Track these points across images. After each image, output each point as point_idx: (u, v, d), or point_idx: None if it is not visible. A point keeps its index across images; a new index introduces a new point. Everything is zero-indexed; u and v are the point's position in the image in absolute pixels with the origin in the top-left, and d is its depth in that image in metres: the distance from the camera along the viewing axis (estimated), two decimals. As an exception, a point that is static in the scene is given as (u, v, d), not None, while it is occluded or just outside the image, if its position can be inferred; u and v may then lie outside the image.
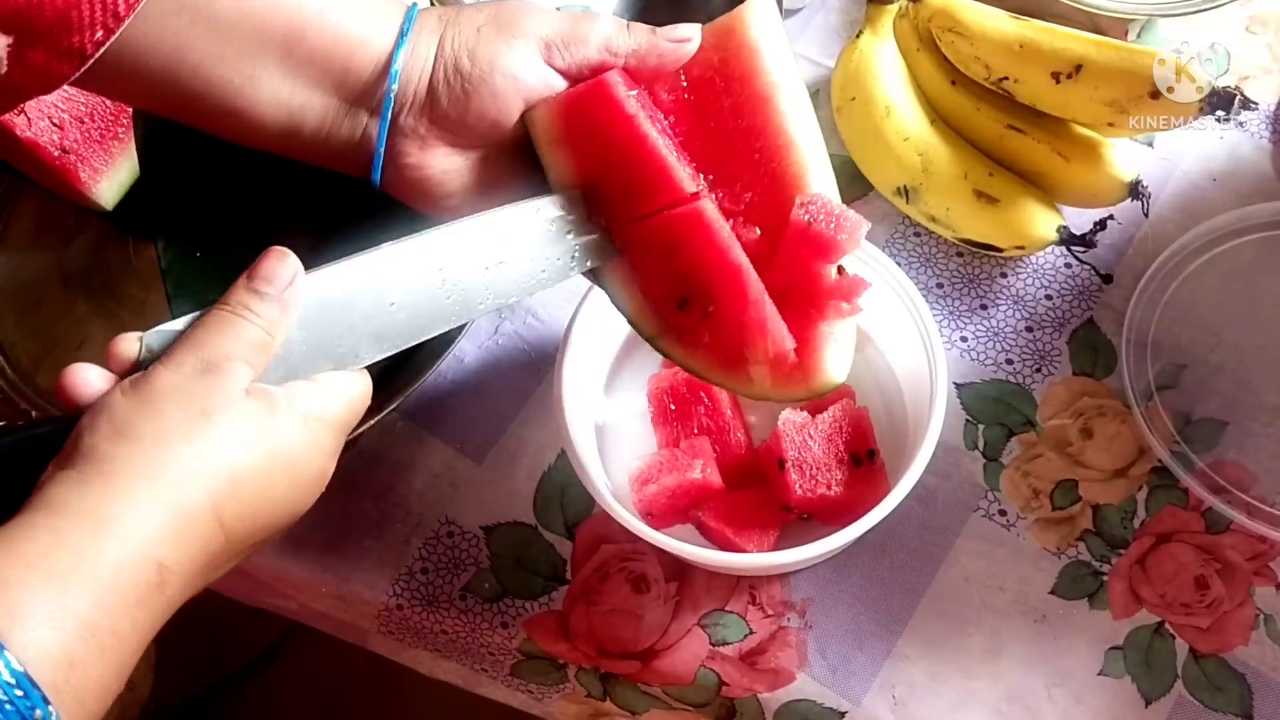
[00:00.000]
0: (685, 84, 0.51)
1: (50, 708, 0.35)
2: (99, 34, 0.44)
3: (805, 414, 0.57)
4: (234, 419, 0.42)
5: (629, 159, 0.49)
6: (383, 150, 0.49)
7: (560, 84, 0.49)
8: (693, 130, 0.51)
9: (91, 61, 0.45)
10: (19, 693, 0.34)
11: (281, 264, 0.45)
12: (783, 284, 0.49)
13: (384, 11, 0.49)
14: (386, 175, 0.50)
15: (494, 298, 0.49)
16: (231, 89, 0.48)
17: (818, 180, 0.50)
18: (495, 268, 0.49)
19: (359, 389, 0.47)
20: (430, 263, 0.48)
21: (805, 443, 0.57)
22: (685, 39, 0.50)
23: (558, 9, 0.78)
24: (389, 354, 0.48)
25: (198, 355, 0.43)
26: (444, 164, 0.50)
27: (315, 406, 0.45)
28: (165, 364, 0.43)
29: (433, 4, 0.57)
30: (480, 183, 0.51)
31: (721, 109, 0.50)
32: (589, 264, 0.50)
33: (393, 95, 0.48)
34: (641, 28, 0.50)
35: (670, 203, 0.49)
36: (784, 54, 0.50)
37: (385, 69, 0.48)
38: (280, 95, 0.48)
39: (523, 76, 0.48)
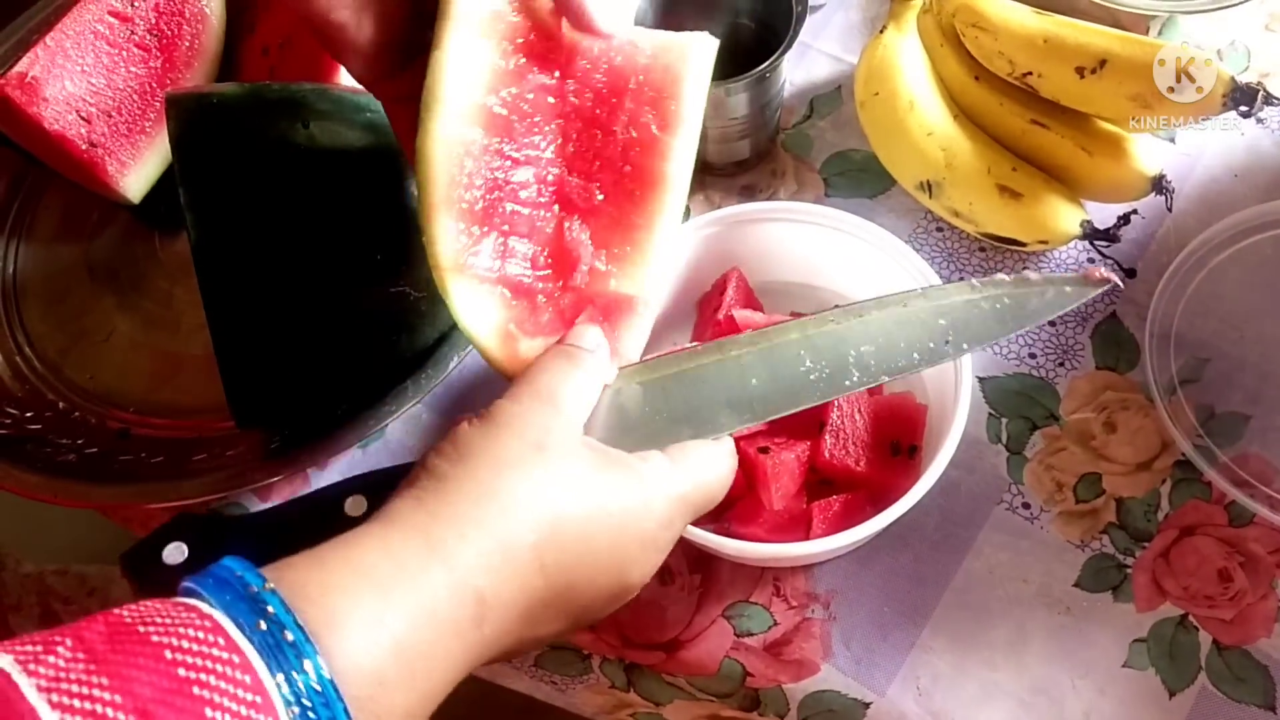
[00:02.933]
0: (603, 76, 0.50)
1: None
2: None
3: (864, 389, 0.58)
4: (567, 457, 0.42)
5: None
6: None
7: None
8: (586, 116, 0.50)
9: None
10: (323, 701, 0.33)
11: (595, 333, 0.47)
12: None
13: None
14: None
15: (861, 379, 0.49)
16: None
17: (661, 226, 0.50)
18: (863, 353, 0.49)
19: (715, 465, 0.47)
20: (794, 345, 0.49)
21: (853, 414, 0.57)
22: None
23: None
24: (750, 425, 0.49)
25: (533, 388, 0.44)
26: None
27: (659, 476, 0.44)
28: (507, 396, 0.44)
29: None
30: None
31: (619, 110, 0.50)
32: (964, 347, 0.49)
33: None
34: None
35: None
36: (701, 99, 0.50)
37: None
38: None
39: None
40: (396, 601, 0.36)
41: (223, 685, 0.31)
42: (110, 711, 0.29)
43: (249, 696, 0.31)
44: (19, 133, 0.71)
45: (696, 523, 0.54)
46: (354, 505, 0.47)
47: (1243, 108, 0.59)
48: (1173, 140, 0.69)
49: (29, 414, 0.65)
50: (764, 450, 0.57)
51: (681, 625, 0.59)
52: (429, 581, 0.37)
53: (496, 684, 0.65)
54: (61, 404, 0.67)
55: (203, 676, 0.31)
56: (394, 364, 0.59)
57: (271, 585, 0.34)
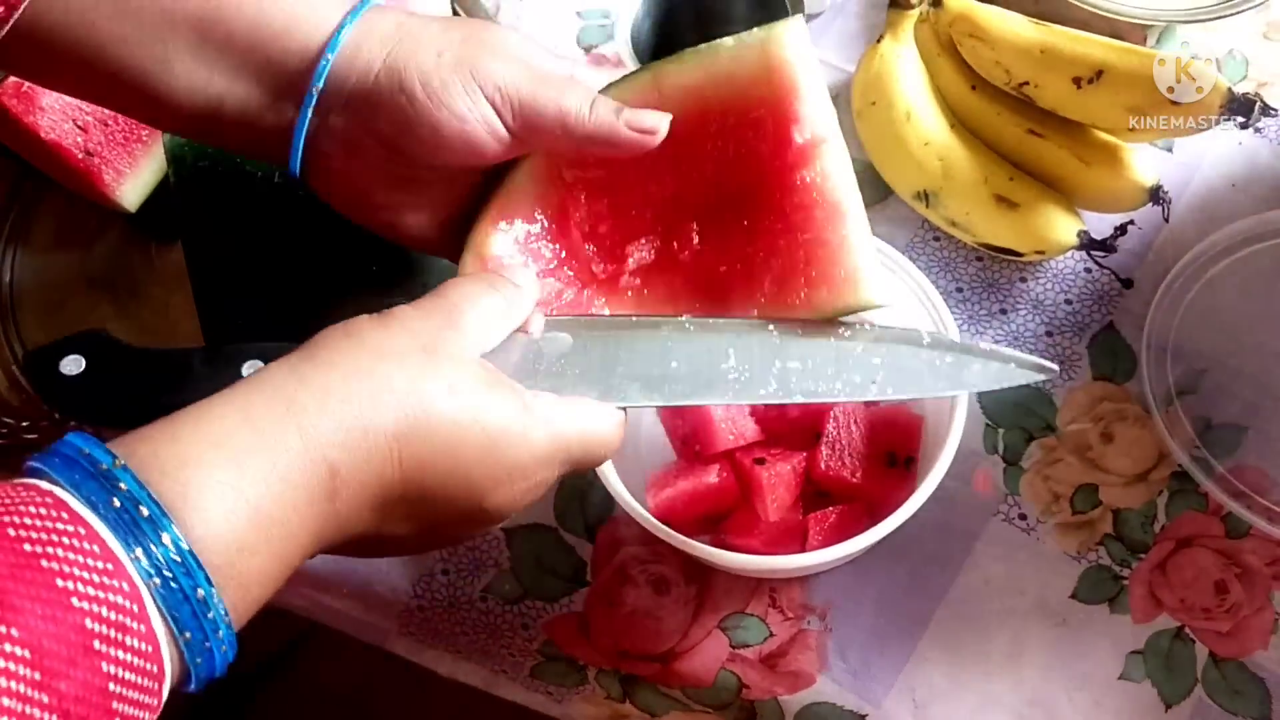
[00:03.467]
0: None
1: (213, 589, 0.34)
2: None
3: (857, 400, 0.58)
4: (455, 368, 0.41)
5: None
6: (300, 146, 0.47)
7: (506, 138, 0.47)
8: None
9: None
10: (184, 570, 0.34)
11: (528, 277, 0.47)
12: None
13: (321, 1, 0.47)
14: (312, 173, 0.49)
15: (777, 391, 0.48)
16: (141, 73, 0.46)
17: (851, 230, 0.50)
18: (788, 368, 0.48)
19: (605, 425, 0.46)
20: (724, 341, 0.48)
21: (849, 426, 0.57)
22: (651, 130, 0.47)
23: (578, 13, 0.79)
24: (656, 404, 0.48)
25: (440, 299, 0.43)
26: (372, 174, 0.48)
27: (546, 411, 0.44)
28: (412, 304, 0.43)
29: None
30: (408, 199, 0.49)
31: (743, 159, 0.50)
32: (889, 392, 0.49)
33: (316, 92, 0.46)
34: (607, 106, 0.47)
35: None
36: (824, 97, 0.50)
37: (315, 61, 0.46)
38: (196, 81, 0.46)
39: (471, 122, 0.46)
40: (251, 470, 0.36)
41: (71, 556, 0.32)
42: None
43: (99, 564, 0.32)
44: (15, 141, 0.71)
45: (692, 534, 0.54)
46: (250, 369, 0.46)
47: (1240, 118, 0.59)
48: (1170, 150, 0.69)
49: (24, 423, 0.65)
50: (760, 461, 0.57)
51: (677, 636, 0.59)
52: (285, 447, 0.37)
53: (492, 694, 0.65)
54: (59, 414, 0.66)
55: (49, 550, 0.31)
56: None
57: (122, 461, 0.34)
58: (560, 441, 0.44)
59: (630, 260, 0.52)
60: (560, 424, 0.44)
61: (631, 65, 0.63)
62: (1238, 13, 0.66)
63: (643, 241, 0.52)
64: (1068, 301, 0.65)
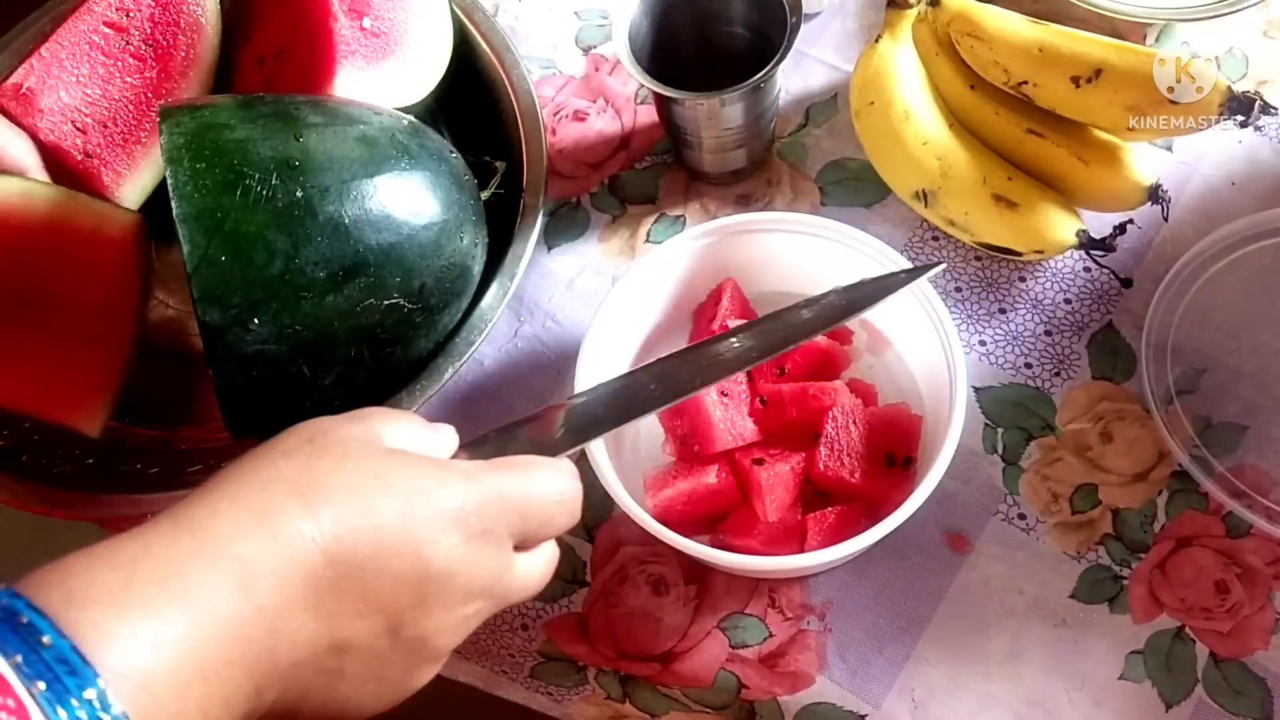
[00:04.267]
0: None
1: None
2: None
3: (859, 400, 0.58)
4: (346, 443, 0.40)
5: None
6: None
7: None
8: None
9: None
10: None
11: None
12: None
13: None
14: None
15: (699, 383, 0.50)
16: None
17: None
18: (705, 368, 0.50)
19: (548, 477, 0.44)
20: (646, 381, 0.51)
21: (847, 426, 0.57)
22: None
23: (576, 13, 0.78)
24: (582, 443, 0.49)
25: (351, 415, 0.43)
26: None
27: (466, 465, 0.42)
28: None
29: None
30: None
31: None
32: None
33: None
34: None
35: None
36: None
37: None
38: None
39: None
40: (167, 607, 0.33)
41: None
42: None
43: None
44: (15, 143, 0.71)
45: (691, 534, 0.54)
46: None
47: (1239, 116, 0.58)
48: (1170, 149, 0.69)
49: (26, 424, 0.65)
50: (759, 462, 0.57)
51: (677, 636, 0.59)
52: (176, 554, 0.34)
53: (492, 694, 0.65)
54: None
55: None
56: (388, 375, 0.59)
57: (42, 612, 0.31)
58: (494, 494, 0.42)
59: None
60: (489, 476, 0.42)
61: (630, 66, 0.63)
62: (1237, 11, 0.66)
63: None
64: (1067, 301, 0.65)
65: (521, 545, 0.44)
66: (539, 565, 0.45)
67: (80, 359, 0.61)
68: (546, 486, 0.44)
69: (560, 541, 0.62)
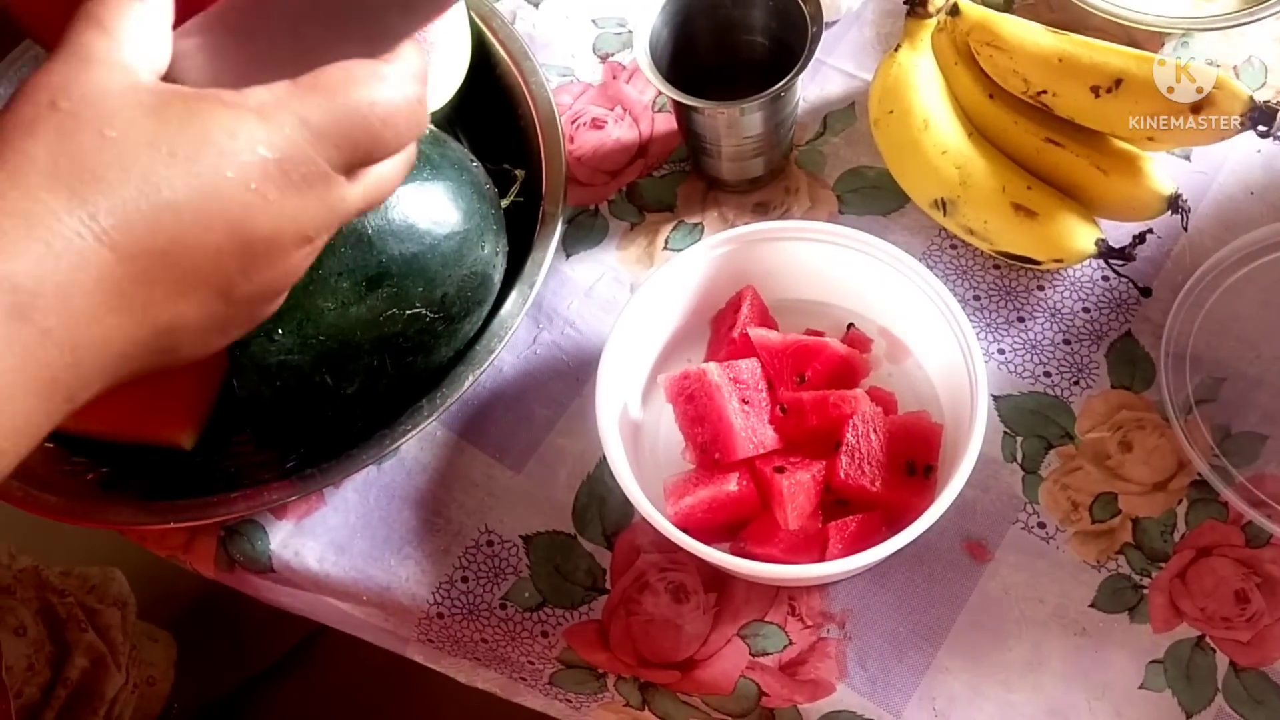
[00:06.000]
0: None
1: None
2: None
3: (879, 409, 0.58)
4: (103, 101, 0.33)
5: None
6: None
7: None
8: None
9: None
10: None
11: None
12: None
13: None
14: None
15: None
16: None
17: None
18: None
19: (373, 80, 0.36)
20: None
21: (868, 434, 0.57)
22: None
23: (594, 20, 0.79)
24: (426, 24, 0.37)
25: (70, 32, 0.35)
26: None
27: (257, 95, 0.34)
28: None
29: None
30: None
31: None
32: None
33: None
34: None
35: None
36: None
37: None
38: None
39: None
40: None
41: None
42: None
43: None
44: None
45: (711, 542, 0.54)
46: None
47: (1261, 127, 0.58)
48: (1188, 158, 0.69)
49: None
50: (780, 470, 0.57)
51: (697, 644, 0.59)
52: None
53: (511, 701, 0.65)
54: (78, 421, 0.67)
55: None
56: (410, 383, 0.60)
57: None
58: (296, 119, 0.35)
59: None
60: (289, 100, 0.35)
61: (650, 74, 0.64)
62: (1256, 20, 0.66)
63: None
64: (1085, 310, 0.65)
65: (360, 164, 0.37)
66: (388, 174, 0.39)
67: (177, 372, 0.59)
68: (370, 103, 0.36)
69: (579, 548, 0.62)
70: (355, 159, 0.36)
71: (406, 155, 0.40)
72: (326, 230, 0.37)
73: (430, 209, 0.57)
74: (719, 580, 0.60)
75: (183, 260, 0.33)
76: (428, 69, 0.38)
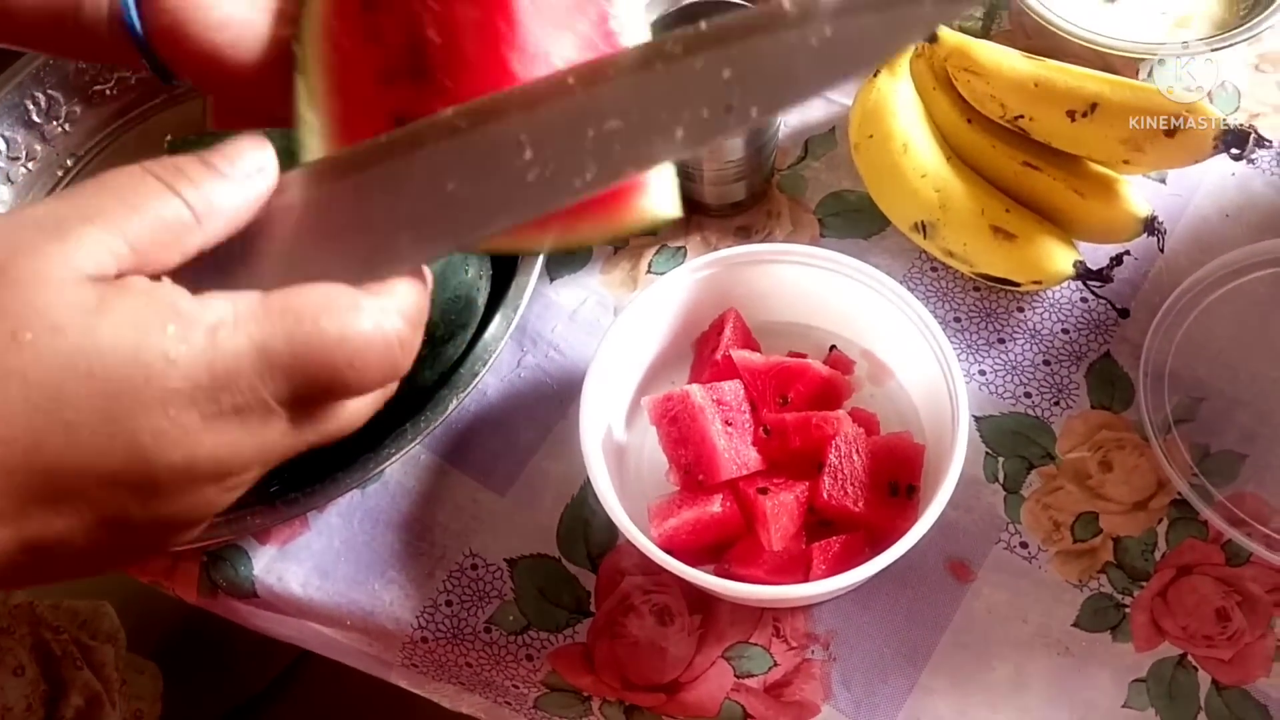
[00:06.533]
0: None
1: None
2: None
3: (861, 430, 0.58)
4: (47, 311, 0.29)
5: None
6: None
7: None
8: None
9: None
10: None
11: (255, 149, 0.34)
12: None
13: None
14: (154, 35, 0.42)
15: (599, 175, 0.33)
16: None
17: None
18: (606, 132, 0.33)
19: (346, 313, 0.32)
20: (511, 129, 0.33)
21: (850, 455, 0.57)
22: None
23: None
24: (437, 255, 0.34)
25: (69, 207, 0.30)
26: (224, 10, 0.40)
27: (215, 310, 0.31)
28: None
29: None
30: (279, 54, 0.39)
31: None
32: (751, 113, 0.33)
33: None
34: None
35: None
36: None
37: None
38: None
39: None
40: None
41: None
42: None
43: None
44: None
45: (695, 563, 0.54)
46: None
47: (1234, 150, 0.59)
48: (1164, 181, 0.70)
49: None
50: (763, 491, 0.57)
51: (681, 666, 0.59)
52: None
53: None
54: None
55: None
56: (393, 407, 0.59)
57: None
58: (246, 349, 0.31)
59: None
60: (247, 323, 0.31)
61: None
62: (1229, 46, 0.67)
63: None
64: (1065, 331, 0.66)
65: (314, 401, 0.33)
66: (348, 415, 0.35)
67: None
68: (339, 338, 0.32)
69: (564, 571, 0.62)
70: (309, 395, 0.32)
71: (375, 397, 0.36)
72: (252, 468, 0.33)
73: (414, 233, 0.57)
74: (704, 602, 0.60)
75: (67, 481, 0.30)
76: (423, 308, 0.34)
